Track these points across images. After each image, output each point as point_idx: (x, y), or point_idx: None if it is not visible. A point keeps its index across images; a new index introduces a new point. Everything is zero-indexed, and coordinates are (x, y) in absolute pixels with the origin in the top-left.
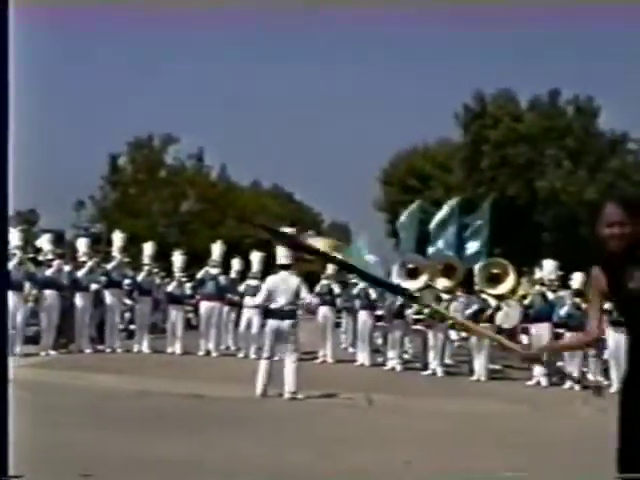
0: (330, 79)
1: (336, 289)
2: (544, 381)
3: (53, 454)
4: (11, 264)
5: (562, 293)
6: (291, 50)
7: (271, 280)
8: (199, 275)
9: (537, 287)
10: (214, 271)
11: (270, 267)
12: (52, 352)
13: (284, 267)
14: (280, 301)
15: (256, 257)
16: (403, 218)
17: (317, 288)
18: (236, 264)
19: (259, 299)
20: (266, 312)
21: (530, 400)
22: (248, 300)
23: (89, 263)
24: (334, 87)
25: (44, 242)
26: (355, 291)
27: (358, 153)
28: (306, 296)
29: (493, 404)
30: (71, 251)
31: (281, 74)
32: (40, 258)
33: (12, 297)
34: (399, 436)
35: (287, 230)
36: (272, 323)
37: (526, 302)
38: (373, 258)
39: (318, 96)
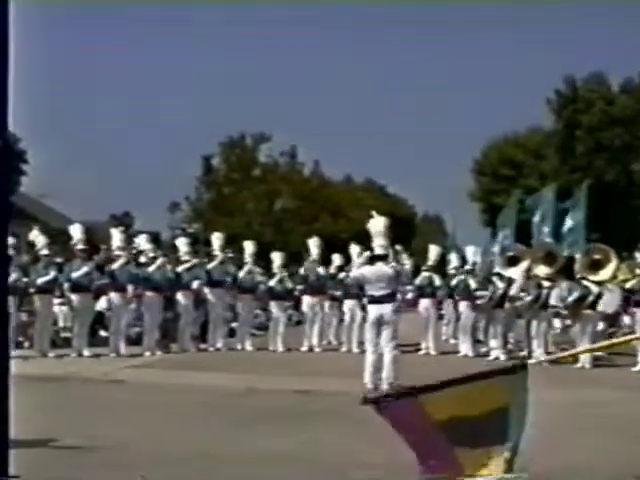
0: (420, 70)
1: (437, 280)
2: None
3: (164, 450)
4: (116, 265)
5: None
6: (380, 41)
7: (367, 269)
8: (302, 272)
9: (638, 271)
10: (314, 266)
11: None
12: (157, 352)
13: (380, 258)
14: (379, 290)
15: (355, 250)
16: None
17: (417, 280)
18: (336, 259)
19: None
20: (367, 302)
21: (637, 387)
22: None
23: (192, 261)
24: (425, 78)
25: (142, 242)
26: (454, 282)
27: (449, 143)
28: (403, 289)
29: (600, 391)
30: (170, 251)
31: (372, 67)
32: (142, 259)
33: (116, 298)
34: None
35: (382, 220)
36: (373, 309)
37: (627, 286)
38: (473, 248)
39: (409, 88)
